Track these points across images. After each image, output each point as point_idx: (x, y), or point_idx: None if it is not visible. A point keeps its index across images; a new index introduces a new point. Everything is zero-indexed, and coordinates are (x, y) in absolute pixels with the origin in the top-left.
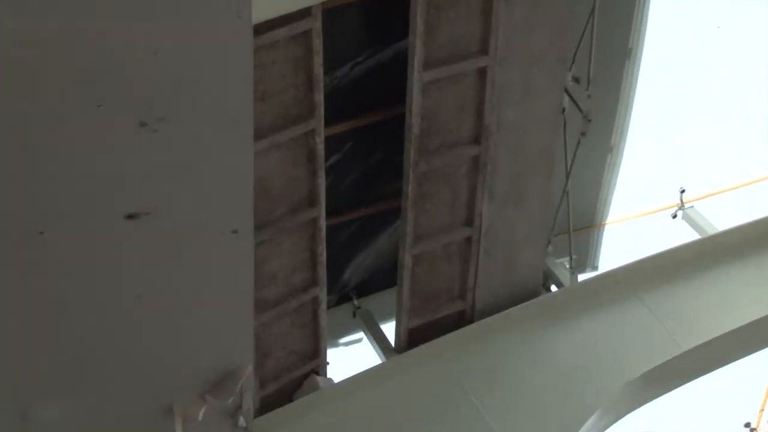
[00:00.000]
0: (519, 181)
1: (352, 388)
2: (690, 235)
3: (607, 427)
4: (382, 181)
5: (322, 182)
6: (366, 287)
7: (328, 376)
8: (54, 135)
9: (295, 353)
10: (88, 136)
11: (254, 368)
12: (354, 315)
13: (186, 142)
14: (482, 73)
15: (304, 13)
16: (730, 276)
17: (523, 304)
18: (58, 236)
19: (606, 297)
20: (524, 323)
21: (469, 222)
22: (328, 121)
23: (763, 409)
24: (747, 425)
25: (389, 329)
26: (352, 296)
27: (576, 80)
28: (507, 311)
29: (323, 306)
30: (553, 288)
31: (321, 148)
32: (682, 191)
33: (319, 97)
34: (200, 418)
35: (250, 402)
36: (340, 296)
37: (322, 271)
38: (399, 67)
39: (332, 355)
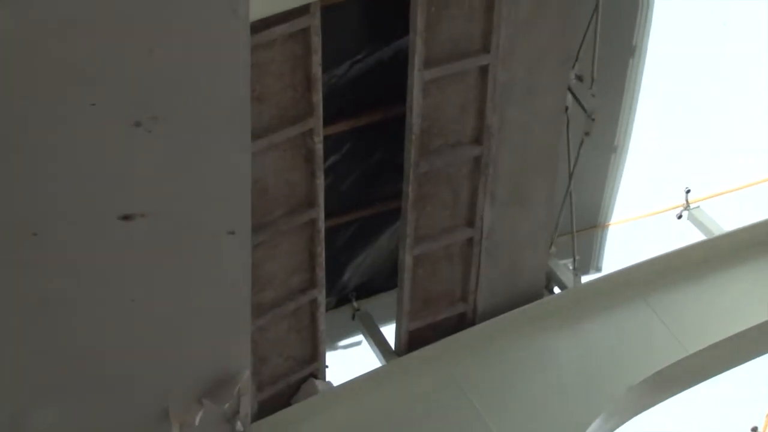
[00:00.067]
0: (521, 181)
1: (351, 392)
2: (695, 236)
3: (612, 431)
4: (382, 182)
5: (320, 183)
6: (365, 289)
7: (327, 379)
8: (46, 134)
9: (293, 357)
10: (81, 135)
11: (251, 372)
12: (353, 317)
13: (181, 142)
14: (484, 71)
15: (303, 10)
16: (736, 277)
17: (526, 307)
18: (51, 238)
19: (610, 299)
20: (527, 326)
21: (470, 223)
22: (327, 121)
23: None
24: (754, 429)
25: (389, 332)
26: (352, 298)
27: (579, 79)
28: (509, 314)
29: (322, 308)
30: (556, 290)
31: (319, 148)
32: (688, 191)
33: (318, 97)
34: (197, 422)
35: (247, 406)
36: (339, 298)
37: (321, 273)
38: (399, 65)
39: (331, 358)
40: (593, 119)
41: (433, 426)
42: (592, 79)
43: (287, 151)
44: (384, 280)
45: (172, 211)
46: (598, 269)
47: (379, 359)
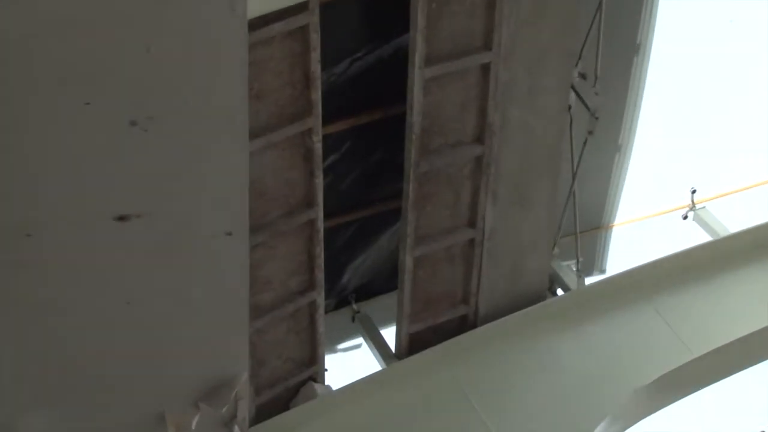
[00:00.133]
0: (523, 181)
1: (350, 396)
2: (701, 237)
3: None
4: (382, 182)
5: (319, 183)
6: (365, 291)
7: (326, 383)
8: (40, 134)
9: (291, 360)
10: (75, 135)
11: (249, 376)
12: (353, 320)
13: (178, 141)
14: (486, 69)
15: (301, 7)
16: (743, 279)
17: (528, 309)
18: (45, 239)
19: (614, 301)
20: (529, 328)
21: (472, 224)
22: (326, 120)
23: None
24: None
25: (389, 334)
26: (351, 300)
27: (583, 77)
28: (511, 316)
29: (321, 311)
30: (560, 292)
31: (318, 147)
32: (693, 191)
33: (317, 95)
34: (193, 427)
35: (245, 410)
36: (339, 300)
37: (320, 275)
38: (399, 63)
39: (330, 361)
40: (597, 118)
41: (433, 430)
42: (596, 77)
43: (286, 151)
44: (384, 281)
45: (169, 212)
46: (602, 271)
47: (379, 362)
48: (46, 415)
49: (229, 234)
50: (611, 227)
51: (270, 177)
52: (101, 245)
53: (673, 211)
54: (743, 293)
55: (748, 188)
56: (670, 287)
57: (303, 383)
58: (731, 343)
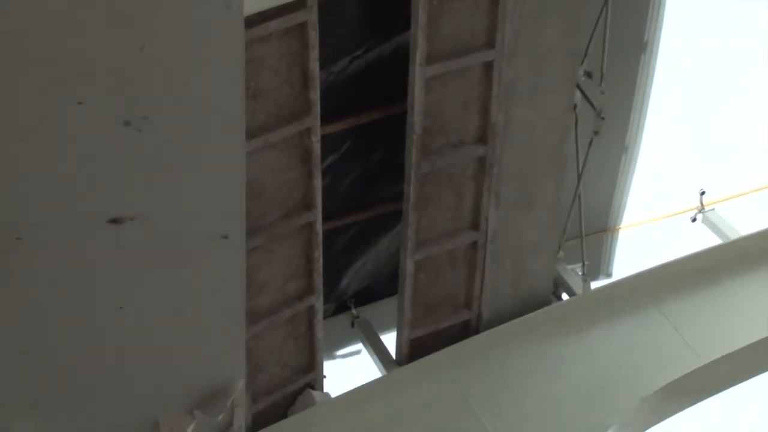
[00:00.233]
0: (528, 182)
1: (350, 403)
2: (711, 240)
3: None
4: (382, 183)
5: (318, 184)
6: (365, 295)
7: (325, 390)
8: (31, 134)
9: (289, 366)
10: (68, 135)
11: (246, 383)
12: (352, 325)
13: (173, 141)
14: (489, 67)
15: (299, 4)
16: (754, 283)
17: (533, 314)
18: (36, 242)
19: (621, 306)
20: (533, 334)
21: (474, 226)
22: (325, 120)
23: None
24: None
25: (390, 340)
26: (351, 305)
27: (588, 75)
28: (515, 321)
29: (319, 316)
30: (565, 296)
31: (317, 148)
32: (702, 193)
33: (315, 94)
34: None
35: (241, 418)
36: (338, 305)
37: (319, 279)
38: (400, 61)
39: (329, 368)
40: (603, 118)
41: None
42: (602, 76)
43: (283, 151)
44: (384, 285)
45: (163, 214)
46: (609, 275)
47: (379, 369)
48: (38, 422)
49: (225, 237)
50: (618, 230)
51: (267, 178)
52: (94, 248)
53: (681, 213)
54: (754, 298)
55: (758, 190)
56: (679, 292)
57: (301, 390)
58: (741, 350)
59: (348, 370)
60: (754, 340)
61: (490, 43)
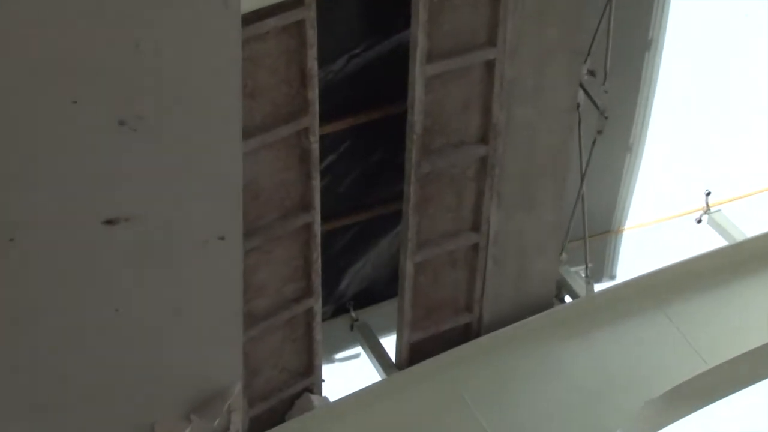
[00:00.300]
0: (530, 183)
1: (349, 408)
2: (716, 242)
3: None
4: (382, 184)
5: (316, 185)
6: (364, 298)
7: (323, 394)
8: (24, 134)
9: (287, 370)
10: (62, 134)
11: (243, 386)
12: (351, 328)
13: (168, 141)
14: (490, 66)
15: (297, 1)
16: (760, 286)
17: (535, 317)
18: (29, 243)
19: (625, 309)
20: (536, 337)
21: (475, 227)
22: (323, 119)
23: None
24: None
25: (389, 343)
26: (350, 308)
27: (592, 74)
28: (517, 324)
29: (318, 318)
30: (567, 299)
31: (315, 148)
32: (708, 194)
33: (314, 93)
34: None
35: (238, 423)
36: (337, 308)
37: (317, 281)
38: (400, 60)
39: (327, 371)
40: (606, 117)
41: None
42: (606, 75)
43: (281, 151)
44: (384, 288)
45: (159, 215)
46: (612, 277)
47: (379, 373)
48: (31, 427)
49: (222, 238)
50: (621, 231)
51: (265, 179)
52: (88, 250)
53: (686, 214)
54: (761, 301)
55: (765, 190)
56: (684, 294)
57: (299, 394)
58: (747, 353)
59: (347, 374)
60: (761, 344)
61: (492, 41)
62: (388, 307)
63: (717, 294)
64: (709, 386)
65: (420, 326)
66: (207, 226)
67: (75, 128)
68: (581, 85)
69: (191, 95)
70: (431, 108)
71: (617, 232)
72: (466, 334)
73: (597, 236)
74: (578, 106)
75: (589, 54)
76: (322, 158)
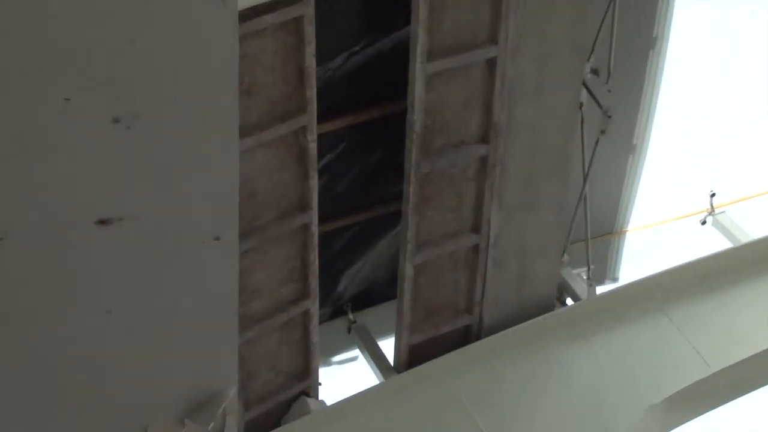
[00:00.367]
0: (531, 183)
1: (346, 412)
2: (721, 244)
3: None
4: (381, 184)
5: (314, 184)
6: (362, 300)
7: (320, 398)
8: (16, 131)
9: (283, 373)
10: (54, 132)
11: (238, 390)
12: (349, 330)
13: (163, 140)
14: (491, 64)
15: None
16: (765, 288)
17: (536, 319)
18: (20, 243)
19: (627, 312)
20: (537, 340)
21: (476, 228)
22: (321, 118)
23: None
24: None
25: (388, 346)
26: (347, 310)
27: (595, 72)
28: (518, 327)
29: (315, 321)
30: (569, 301)
31: (313, 147)
32: (712, 195)
33: (312, 91)
34: None
35: (233, 427)
36: (334, 310)
37: (314, 282)
38: (400, 57)
39: (325, 374)
40: (610, 116)
41: None
42: (609, 73)
43: (278, 150)
44: (382, 289)
45: (153, 215)
46: (615, 279)
47: (377, 376)
48: (22, 429)
49: (218, 239)
50: (624, 233)
51: (261, 178)
52: (80, 250)
53: (690, 215)
54: (765, 303)
55: None
56: (687, 297)
57: (295, 398)
58: (752, 357)
59: (344, 377)
60: (766, 348)
61: (493, 39)
62: (386, 309)
63: (721, 297)
64: (713, 391)
65: (419, 328)
66: (202, 226)
67: (68, 126)
68: (584, 84)
69: (187, 93)
70: (431, 107)
71: (620, 234)
72: (466, 336)
73: (599, 238)
74: (581, 105)
75: (592, 52)
76: (320, 157)
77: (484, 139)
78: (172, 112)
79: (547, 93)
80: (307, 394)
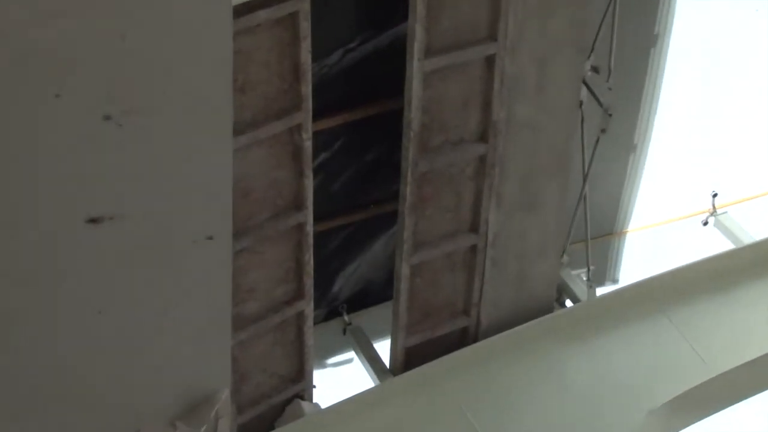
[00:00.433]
0: (530, 183)
1: (341, 415)
2: (723, 245)
3: None
4: (377, 183)
5: (309, 183)
6: (358, 301)
7: (314, 401)
8: (3, 128)
9: (277, 375)
10: (44, 129)
11: (231, 392)
12: (344, 332)
13: (155, 137)
14: (491, 62)
15: None
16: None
17: (534, 321)
18: (8, 243)
19: (628, 313)
20: (535, 342)
21: (474, 229)
22: (317, 115)
23: None
24: None
25: (383, 348)
26: (343, 311)
27: (595, 70)
28: (516, 329)
29: (309, 322)
30: (569, 303)
31: (308, 145)
32: (715, 195)
33: (307, 88)
34: None
35: (226, 430)
36: (329, 311)
37: (309, 283)
38: (397, 54)
39: (319, 377)
40: (610, 115)
41: None
42: (610, 71)
43: (273, 148)
44: (378, 290)
45: (145, 214)
46: (615, 281)
47: (372, 378)
48: None
49: (211, 238)
50: (625, 233)
51: (256, 177)
52: (70, 250)
53: (692, 216)
54: None
55: None
56: (689, 299)
57: (289, 401)
58: (755, 360)
59: (339, 380)
60: None
61: (492, 36)
62: (382, 311)
63: (723, 299)
64: (715, 394)
65: (415, 330)
66: (195, 226)
67: (57, 123)
68: (584, 82)
69: (179, 90)
70: (429, 104)
71: (620, 235)
72: (464, 338)
73: (599, 238)
74: (581, 103)
75: (592, 50)
76: (315, 156)
77: (482, 137)
78: (164, 109)
79: (547, 91)
80: (301, 397)
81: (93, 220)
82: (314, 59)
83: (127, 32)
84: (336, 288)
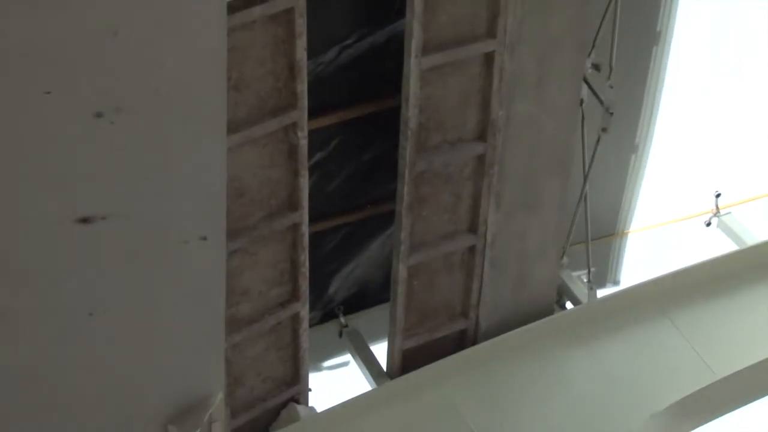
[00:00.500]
0: (530, 183)
1: (337, 419)
2: (726, 246)
3: None
4: (374, 182)
5: (304, 183)
6: (354, 303)
7: (310, 404)
8: None
9: (271, 378)
10: (34, 127)
11: (225, 396)
12: (340, 334)
13: (148, 135)
14: (489, 59)
15: None
16: None
17: (534, 324)
18: None
19: (629, 316)
20: (535, 345)
21: (473, 229)
22: (313, 114)
23: None
24: None
25: (380, 351)
26: (339, 313)
27: (596, 68)
28: (515, 331)
29: (305, 324)
30: (569, 305)
31: (304, 143)
32: (718, 195)
33: (302, 86)
34: None
35: None
36: (325, 313)
37: (304, 285)
38: (394, 51)
39: (314, 380)
40: (611, 114)
41: None
42: (611, 69)
43: (267, 147)
44: (375, 292)
45: (137, 214)
46: (616, 282)
47: (369, 382)
48: None
49: (204, 239)
50: (626, 234)
51: (250, 176)
52: (60, 250)
53: (694, 217)
54: None
55: None
56: (691, 301)
57: (284, 404)
58: (758, 364)
59: (335, 383)
60: None
61: (491, 33)
62: (379, 313)
63: (726, 301)
64: (718, 398)
65: (413, 333)
66: (188, 226)
67: (48, 120)
68: (585, 80)
69: (172, 87)
70: (427, 103)
71: (621, 235)
72: (462, 341)
73: (600, 239)
74: (582, 102)
75: (593, 47)
76: (310, 155)
77: (481, 136)
78: (157, 107)
79: (547, 89)
80: (297, 401)
81: (84, 220)
82: (310, 56)
83: (119, 28)
84: (332, 290)
